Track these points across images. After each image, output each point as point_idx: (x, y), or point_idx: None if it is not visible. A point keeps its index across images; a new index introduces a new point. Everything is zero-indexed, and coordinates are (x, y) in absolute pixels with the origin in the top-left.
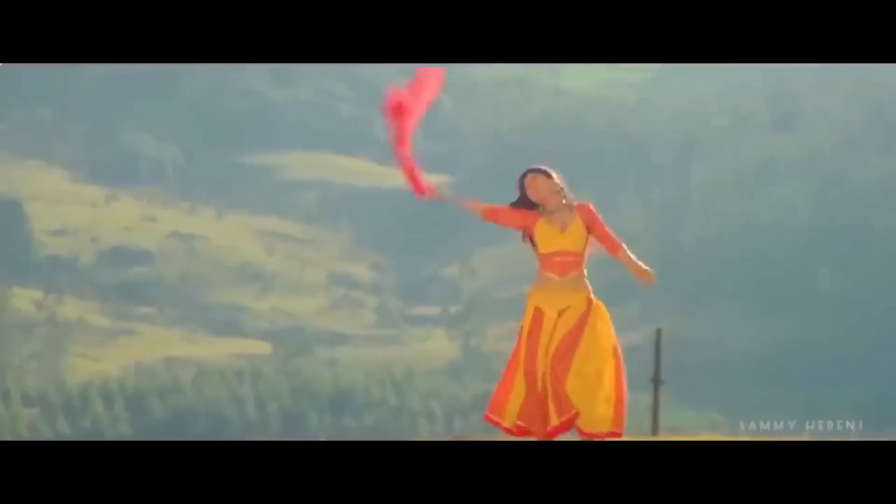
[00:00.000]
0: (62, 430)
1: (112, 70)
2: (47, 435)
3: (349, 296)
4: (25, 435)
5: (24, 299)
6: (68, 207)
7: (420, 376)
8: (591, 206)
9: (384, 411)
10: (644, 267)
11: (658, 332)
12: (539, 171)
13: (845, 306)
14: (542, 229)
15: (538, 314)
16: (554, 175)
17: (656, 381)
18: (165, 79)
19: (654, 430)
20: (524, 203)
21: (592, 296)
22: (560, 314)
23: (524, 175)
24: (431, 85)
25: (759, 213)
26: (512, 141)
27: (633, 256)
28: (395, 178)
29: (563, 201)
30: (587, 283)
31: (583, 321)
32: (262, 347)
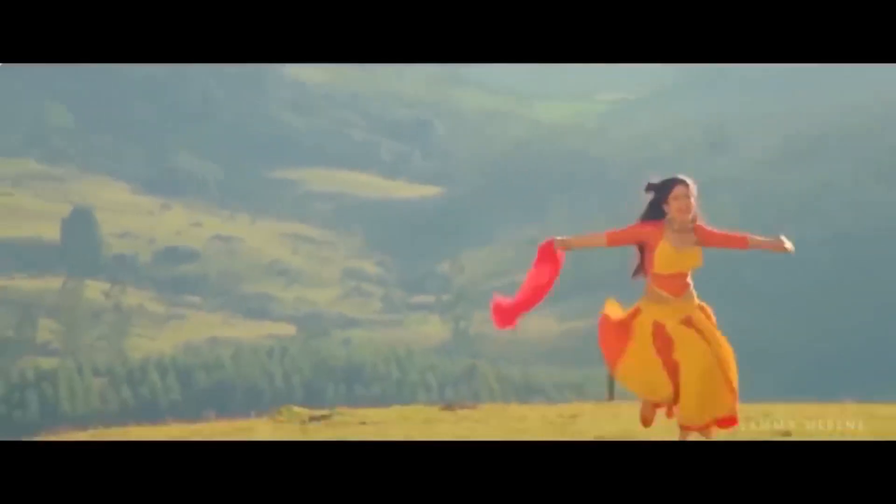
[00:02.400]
0: (125, 397)
1: (165, 103)
2: (113, 401)
3: (359, 287)
4: (96, 402)
5: (94, 290)
6: (129, 215)
7: (418, 353)
8: (705, 225)
9: (389, 383)
10: (775, 240)
11: None
12: (689, 185)
13: (777, 301)
14: (664, 250)
15: (659, 327)
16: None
17: None
18: (210, 109)
19: (610, 395)
20: (657, 210)
21: (700, 301)
22: (683, 322)
23: (674, 183)
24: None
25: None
26: (495, 161)
27: (761, 238)
28: (398, 191)
29: (690, 223)
30: (694, 293)
31: (720, 338)
32: (288, 330)
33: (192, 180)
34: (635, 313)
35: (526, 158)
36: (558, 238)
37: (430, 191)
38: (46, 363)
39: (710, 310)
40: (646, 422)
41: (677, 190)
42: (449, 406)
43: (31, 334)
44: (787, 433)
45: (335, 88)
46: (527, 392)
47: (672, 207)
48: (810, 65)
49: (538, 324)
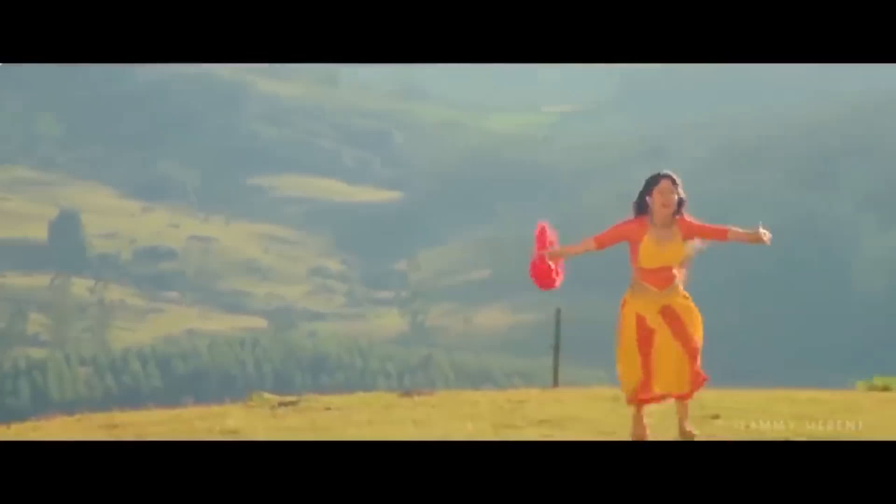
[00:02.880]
0: (109, 384)
1: (147, 115)
2: (98, 388)
3: (325, 284)
4: (82, 389)
5: (80, 287)
6: (113, 217)
7: (378, 344)
8: (687, 217)
9: (352, 371)
10: (753, 232)
11: (558, 311)
12: (672, 179)
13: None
14: (646, 246)
15: (640, 320)
16: (679, 186)
17: (556, 348)
18: (188, 120)
19: (555, 382)
20: (641, 206)
21: (684, 291)
22: (661, 312)
23: (659, 178)
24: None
25: None
26: (449, 168)
27: (740, 231)
28: (360, 195)
29: (673, 216)
30: (680, 286)
31: (693, 314)
32: (260, 323)
33: (172, 185)
34: (622, 304)
35: (478, 165)
36: (548, 251)
37: (390, 195)
38: (36, 353)
39: (691, 301)
40: (639, 437)
41: (661, 184)
42: (407, 393)
43: (22, 327)
44: (717, 416)
45: (303, 101)
46: (479, 379)
47: (655, 202)
48: (741, 67)
49: (490, 317)
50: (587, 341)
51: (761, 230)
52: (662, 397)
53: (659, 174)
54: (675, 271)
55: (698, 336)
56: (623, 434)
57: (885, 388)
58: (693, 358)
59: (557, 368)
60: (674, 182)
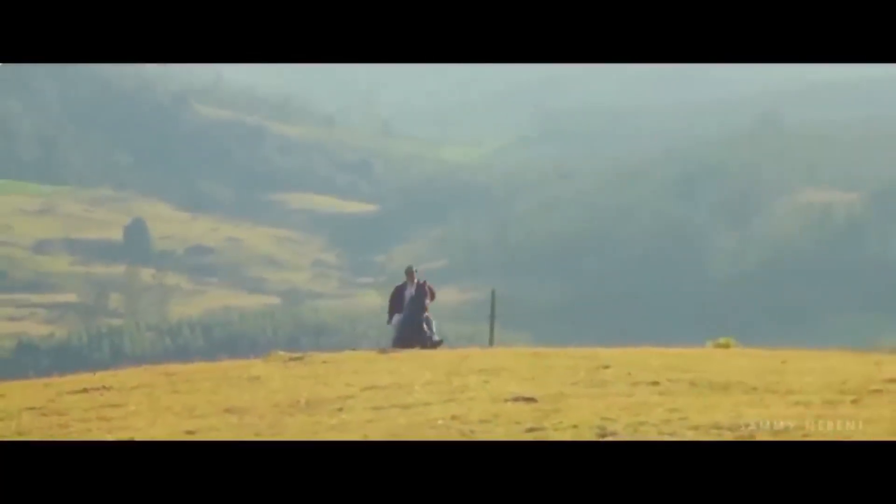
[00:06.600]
0: (167, 344)
1: (194, 150)
2: (159, 347)
3: (323, 272)
4: (148, 347)
5: (146, 274)
6: (169, 224)
7: (362, 316)
8: None
9: (343, 335)
10: None
11: (493, 292)
12: None
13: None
14: None
15: None
16: None
17: (491, 317)
18: (223, 154)
19: (491, 342)
20: None
21: None
22: None
23: None
24: None
25: (552, 223)
26: (414, 187)
27: None
28: (349, 208)
29: None
30: None
31: None
32: (276, 300)
33: (211, 201)
34: None
35: (435, 185)
36: None
37: (371, 207)
38: (115, 322)
39: None
40: None
41: None
42: (383, 351)
43: (105, 303)
44: (608, 366)
45: (306, 138)
46: None
47: None
48: (629, 113)
49: (444, 295)
50: (514, 313)
51: None
52: None
53: None
54: None
55: None
56: (542, 380)
57: (726, 345)
58: None
59: (493, 333)
60: None
